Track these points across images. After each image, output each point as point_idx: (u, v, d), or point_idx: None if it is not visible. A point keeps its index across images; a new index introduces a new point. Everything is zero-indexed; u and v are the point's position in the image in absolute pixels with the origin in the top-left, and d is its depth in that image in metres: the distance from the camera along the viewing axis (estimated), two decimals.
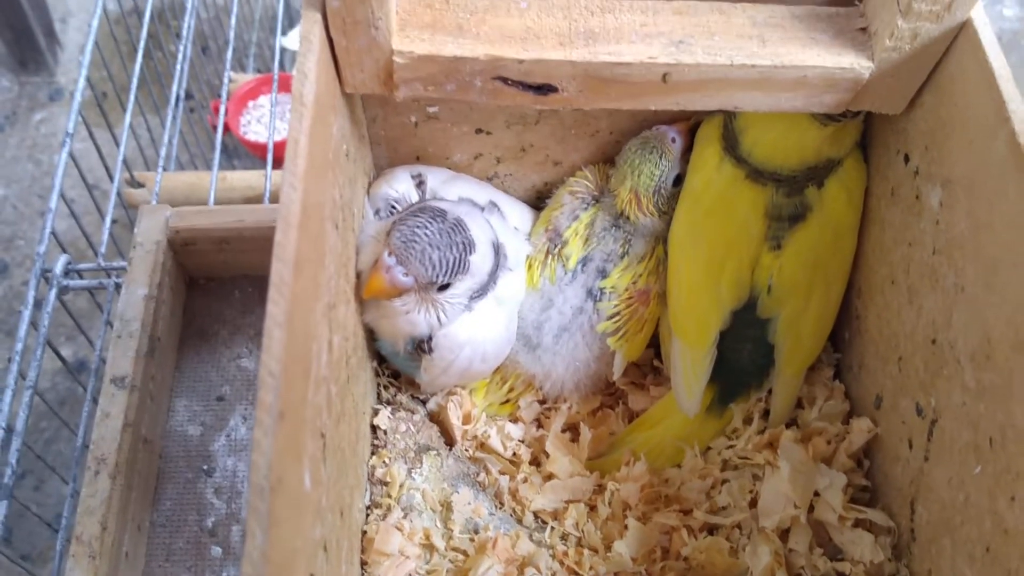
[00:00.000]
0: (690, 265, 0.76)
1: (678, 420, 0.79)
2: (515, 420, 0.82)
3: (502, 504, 0.77)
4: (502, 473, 0.78)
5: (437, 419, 0.80)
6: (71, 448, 1.03)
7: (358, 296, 0.71)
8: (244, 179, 1.24)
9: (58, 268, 0.93)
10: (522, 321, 0.79)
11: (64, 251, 0.96)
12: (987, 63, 0.58)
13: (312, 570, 0.53)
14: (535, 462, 0.80)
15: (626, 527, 0.73)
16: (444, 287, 0.70)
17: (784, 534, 0.72)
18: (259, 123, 1.61)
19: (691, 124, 0.77)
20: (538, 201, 0.85)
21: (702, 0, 0.65)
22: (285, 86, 1.58)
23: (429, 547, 0.71)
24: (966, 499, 0.61)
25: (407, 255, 0.67)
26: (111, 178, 1.02)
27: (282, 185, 0.53)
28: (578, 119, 0.77)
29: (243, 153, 1.77)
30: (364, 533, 0.72)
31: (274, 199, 1.04)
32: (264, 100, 1.63)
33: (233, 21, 1.16)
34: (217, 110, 1.56)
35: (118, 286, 0.94)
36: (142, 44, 1.08)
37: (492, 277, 0.74)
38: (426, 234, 0.68)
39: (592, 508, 0.76)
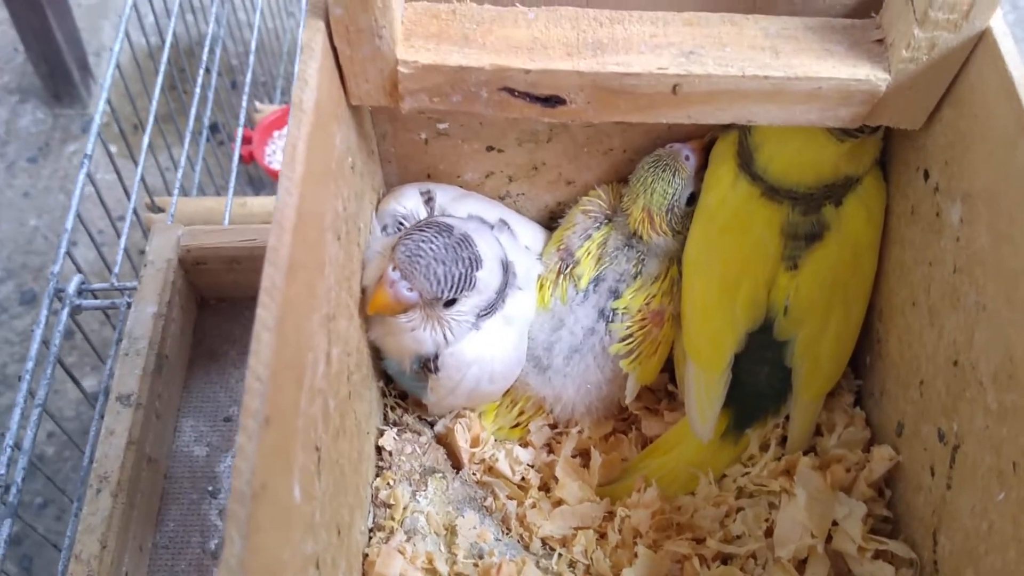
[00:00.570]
0: (704, 285, 0.74)
1: (692, 446, 0.76)
2: (525, 444, 0.80)
3: (509, 530, 0.75)
4: (510, 498, 0.76)
5: (444, 441, 0.78)
6: None
7: (363, 312, 0.70)
8: (264, 205, 1.24)
9: (71, 287, 0.93)
10: (532, 342, 0.77)
11: (80, 272, 0.96)
12: (1007, 73, 0.56)
13: None
14: (544, 487, 0.78)
15: (636, 555, 0.70)
16: (450, 303, 0.68)
17: (801, 565, 0.69)
18: (283, 153, 1.62)
19: (706, 142, 0.76)
20: (551, 222, 0.84)
21: (713, 12, 0.64)
22: None
23: (432, 572, 0.69)
24: (990, 527, 0.58)
25: (412, 270, 0.66)
26: (128, 198, 1.02)
27: (279, 191, 0.52)
28: (590, 136, 0.76)
29: (268, 183, 1.77)
30: (366, 556, 0.70)
31: None
32: None
33: (253, 47, 1.17)
34: (247, 140, 1.57)
35: (130, 306, 0.93)
36: (162, 68, 1.09)
37: (500, 295, 0.72)
38: (431, 248, 0.66)
39: (602, 535, 0.74)
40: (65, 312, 0.91)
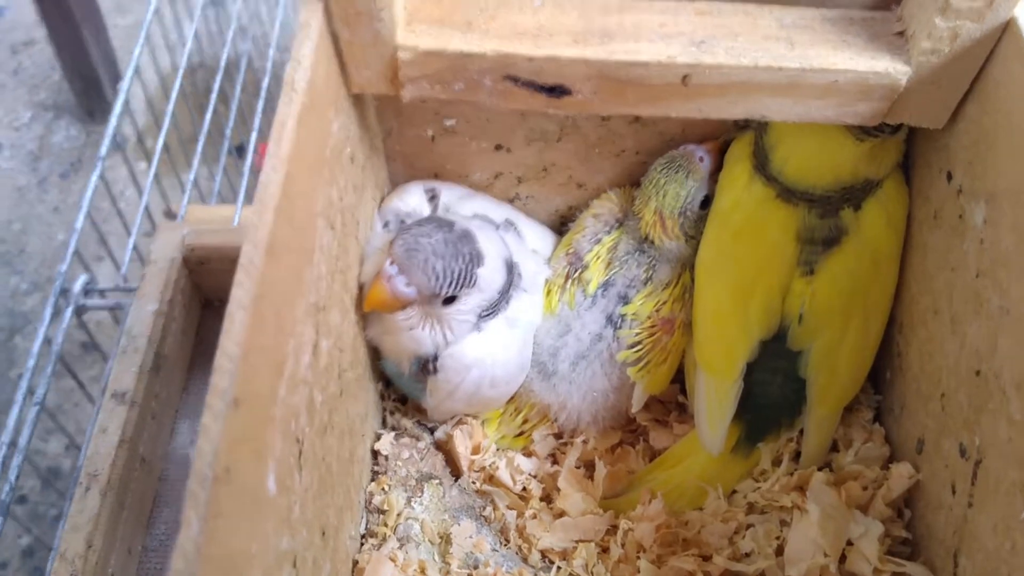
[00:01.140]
0: (717, 290, 0.71)
1: (701, 459, 0.73)
2: (528, 454, 0.77)
3: (508, 541, 0.72)
4: (510, 508, 0.73)
5: (444, 448, 0.75)
6: None
7: (360, 309, 0.67)
8: None
9: (76, 286, 0.92)
10: (537, 347, 0.75)
11: (88, 271, 0.95)
12: None
13: None
14: (546, 498, 0.75)
15: (639, 570, 0.67)
16: (450, 301, 0.66)
17: None
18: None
19: (721, 143, 0.73)
20: (561, 226, 0.82)
21: (726, 1, 0.62)
22: None
23: None
24: (1013, 547, 0.55)
25: (409, 264, 0.64)
26: (139, 191, 1.02)
27: (264, 168, 0.50)
28: (602, 136, 0.74)
29: None
30: (356, 563, 0.67)
31: None
32: None
33: (270, 66, 1.17)
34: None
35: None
36: (177, 83, 1.09)
37: (504, 296, 0.70)
38: (430, 243, 0.64)
39: (604, 549, 0.71)
40: (69, 311, 0.90)
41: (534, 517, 0.72)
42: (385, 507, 0.69)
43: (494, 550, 0.69)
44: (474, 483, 0.74)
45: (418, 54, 0.59)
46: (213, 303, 0.90)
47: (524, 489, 0.75)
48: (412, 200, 0.72)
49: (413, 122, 0.73)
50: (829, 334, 0.69)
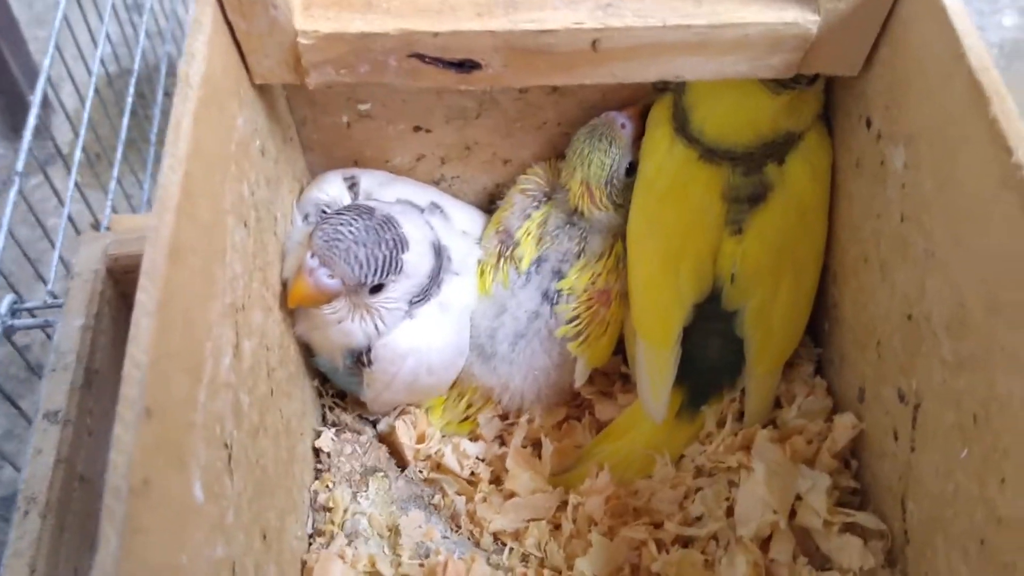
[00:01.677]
0: (647, 257, 0.70)
1: (647, 428, 0.72)
2: (475, 438, 0.76)
3: (459, 527, 0.71)
4: (459, 494, 0.72)
5: (387, 440, 0.74)
6: None
7: (286, 306, 0.66)
8: None
9: (3, 307, 0.89)
10: (475, 329, 0.74)
11: (15, 291, 0.93)
12: (938, 1, 0.53)
13: None
14: (496, 481, 0.74)
15: (590, 544, 0.66)
16: (376, 289, 0.65)
17: (765, 543, 0.65)
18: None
19: (641, 108, 0.72)
20: (490, 205, 0.81)
21: None
22: None
23: (375, 574, 0.65)
24: (955, 488, 0.55)
25: (331, 255, 0.62)
26: (62, 203, 0.99)
27: (161, 168, 0.48)
28: (522, 110, 0.73)
29: None
30: (304, 563, 0.66)
31: None
32: None
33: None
34: None
35: None
36: (91, 91, 1.06)
37: (434, 280, 0.68)
38: (350, 231, 0.63)
39: (556, 526, 0.70)
40: None
41: (484, 501, 0.71)
42: (331, 504, 0.68)
43: (445, 537, 0.68)
44: (421, 472, 0.73)
45: (319, 39, 0.58)
46: None
47: (472, 474, 0.74)
48: (331, 190, 0.71)
49: (327, 110, 0.71)
50: (762, 292, 0.69)
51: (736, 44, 0.59)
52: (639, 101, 0.73)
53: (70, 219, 0.98)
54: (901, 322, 0.60)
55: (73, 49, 1.13)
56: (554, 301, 0.73)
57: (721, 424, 0.72)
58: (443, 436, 0.76)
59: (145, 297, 0.44)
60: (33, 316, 0.93)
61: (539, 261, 0.73)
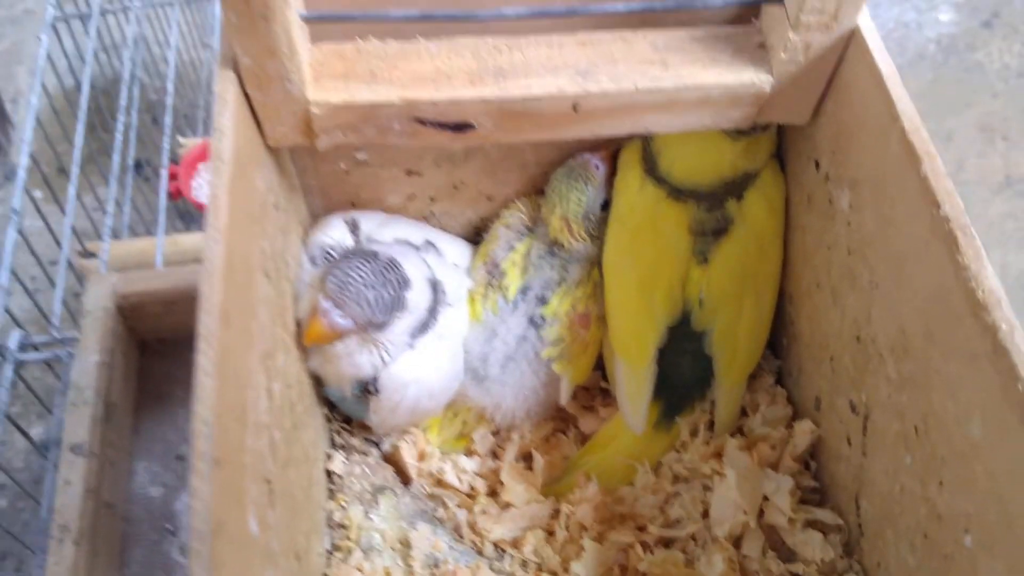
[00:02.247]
0: (623, 286, 0.78)
1: (627, 439, 0.80)
2: (470, 454, 0.84)
3: (462, 537, 0.78)
4: (460, 507, 0.79)
5: (392, 459, 0.81)
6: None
7: (300, 344, 0.72)
8: (195, 241, 1.25)
9: (12, 343, 0.94)
10: (468, 354, 0.80)
11: (20, 327, 0.97)
12: (876, 67, 0.61)
13: None
14: (492, 493, 0.81)
15: (583, 548, 0.74)
16: (383, 325, 0.71)
17: (738, 541, 0.73)
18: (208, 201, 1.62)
19: (612, 150, 0.80)
20: (476, 236, 0.87)
21: (604, 30, 0.67)
22: None
23: None
24: (902, 489, 0.63)
25: (343, 297, 0.69)
26: (60, 245, 1.03)
27: (205, 240, 0.54)
28: (504, 153, 0.79)
29: (197, 216, 1.77)
30: None
31: None
32: None
33: (171, 87, 1.18)
34: (173, 176, 1.58)
35: (73, 356, 0.95)
36: (82, 115, 1.10)
37: (432, 313, 0.75)
38: (360, 275, 0.69)
39: (550, 533, 0.77)
40: (10, 368, 0.92)
41: (483, 512, 0.79)
42: (346, 522, 0.75)
43: (451, 548, 0.75)
44: (424, 488, 0.80)
45: (329, 108, 0.64)
46: (150, 344, 0.94)
47: (471, 487, 0.81)
48: (335, 233, 0.77)
49: (326, 159, 0.77)
50: (727, 314, 0.76)
51: (700, 103, 0.66)
52: (610, 145, 0.80)
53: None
54: (851, 342, 0.69)
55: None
56: (539, 325, 0.80)
57: (694, 433, 0.80)
58: (442, 454, 0.83)
59: (204, 359, 0.51)
60: (38, 351, 0.98)
61: (525, 289, 0.81)
